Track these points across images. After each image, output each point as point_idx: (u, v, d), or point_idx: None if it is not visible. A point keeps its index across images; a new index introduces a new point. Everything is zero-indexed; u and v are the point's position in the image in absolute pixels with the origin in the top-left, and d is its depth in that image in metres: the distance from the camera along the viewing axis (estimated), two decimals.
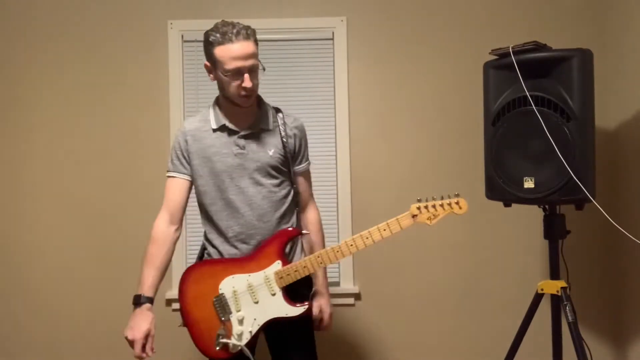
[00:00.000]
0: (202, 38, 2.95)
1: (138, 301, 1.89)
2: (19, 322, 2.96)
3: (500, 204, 2.30)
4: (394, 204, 2.98)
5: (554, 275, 2.21)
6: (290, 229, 1.99)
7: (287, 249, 1.99)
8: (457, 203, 1.91)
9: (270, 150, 1.96)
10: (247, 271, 1.92)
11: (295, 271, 1.91)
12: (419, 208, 1.92)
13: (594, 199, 2.02)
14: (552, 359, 2.25)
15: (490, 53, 2.23)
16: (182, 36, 2.99)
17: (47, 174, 2.97)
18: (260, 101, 2.04)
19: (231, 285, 1.92)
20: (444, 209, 1.92)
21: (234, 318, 1.90)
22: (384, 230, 1.89)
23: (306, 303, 1.93)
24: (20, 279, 2.96)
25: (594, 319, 2.95)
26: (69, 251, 2.97)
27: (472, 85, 2.79)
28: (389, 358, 2.99)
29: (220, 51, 1.84)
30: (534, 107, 2.06)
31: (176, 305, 2.93)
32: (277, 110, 2.06)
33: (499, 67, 2.20)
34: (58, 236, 2.97)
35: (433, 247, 2.97)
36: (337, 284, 2.97)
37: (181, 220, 2.03)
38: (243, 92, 1.88)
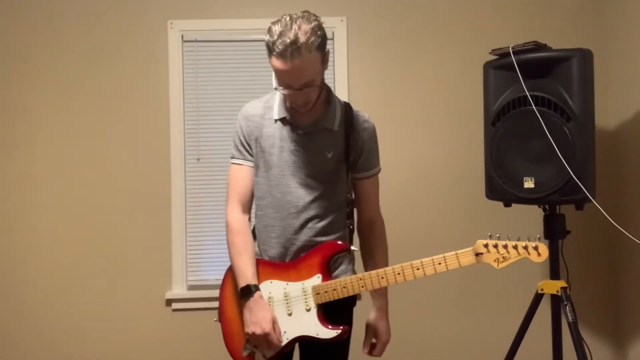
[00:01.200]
0: (202, 38, 2.99)
1: (249, 292, 1.71)
2: (19, 322, 2.95)
3: (500, 204, 2.30)
4: (393, 203, 2.97)
5: (554, 275, 2.21)
6: (339, 242, 1.80)
7: (332, 264, 1.81)
8: (535, 248, 1.56)
9: (330, 152, 1.78)
10: (286, 279, 1.77)
11: (334, 290, 1.73)
12: (486, 245, 1.62)
13: (594, 199, 2.02)
14: (552, 359, 2.25)
15: (490, 53, 2.23)
16: (182, 36, 2.99)
17: (47, 174, 2.97)
18: (329, 97, 1.82)
19: (268, 290, 1.78)
20: (518, 252, 1.58)
21: None
22: (439, 264, 1.67)
23: (341, 327, 1.74)
24: (21, 279, 2.96)
25: (594, 319, 2.95)
26: (70, 251, 2.96)
27: (472, 85, 2.79)
28: (388, 358, 2.98)
29: (271, 60, 1.65)
30: (534, 107, 2.06)
31: (176, 305, 2.94)
32: (348, 107, 1.86)
33: (499, 67, 2.20)
34: (59, 236, 2.96)
35: (433, 246, 2.96)
36: None
37: (250, 208, 1.88)
38: (296, 107, 1.73)
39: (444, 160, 2.98)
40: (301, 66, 1.61)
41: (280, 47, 1.59)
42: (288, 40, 1.58)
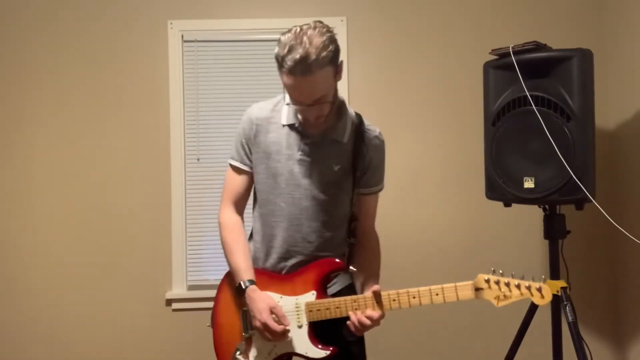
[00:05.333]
0: (202, 38, 2.99)
1: (243, 289, 1.69)
2: (20, 322, 2.96)
3: (500, 204, 2.29)
4: (393, 204, 2.98)
5: (554, 275, 2.21)
6: (337, 260, 1.74)
7: (328, 281, 1.77)
8: (539, 289, 1.47)
9: (337, 165, 1.72)
10: (281, 292, 1.73)
11: (327, 309, 1.67)
12: (487, 281, 1.53)
13: (594, 199, 2.02)
14: (552, 359, 2.25)
15: (490, 53, 2.23)
16: (182, 36, 2.99)
17: (46, 174, 2.97)
18: (341, 108, 1.77)
19: None
20: (520, 292, 1.49)
21: (255, 337, 1.74)
22: (436, 295, 1.60)
23: (330, 348, 1.68)
24: (21, 279, 2.96)
25: (594, 319, 2.95)
26: (70, 251, 2.96)
27: (472, 85, 2.79)
28: (388, 358, 2.99)
29: (281, 75, 1.57)
30: (534, 107, 2.06)
31: (176, 305, 2.94)
32: (359, 120, 1.80)
33: (499, 67, 2.20)
34: (59, 236, 2.96)
35: (433, 247, 2.97)
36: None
37: (244, 211, 1.85)
38: (309, 121, 1.67)
39: (444, 160, 2.98)
40: (312, 83, 1.53)
41: (289, 63, 1.50)
42: (298, 57, 1.49)
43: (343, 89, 2.97)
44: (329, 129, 1.73)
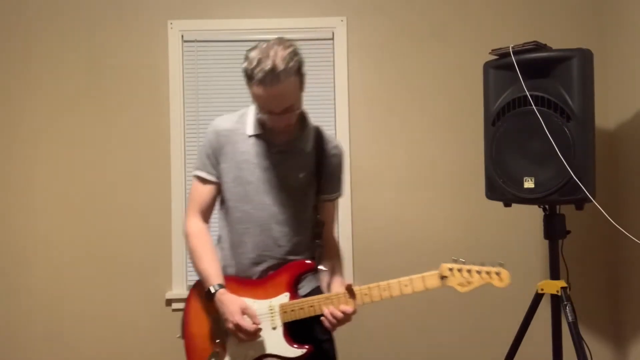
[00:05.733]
0: (202, 38, 2.99)
1: (212, 294, 1.73)
2: (20, 322, 2.96)
3: (500, 204, 2.29)
4: (393, 204, 2.98)
5: (554, 275, 2.21)
6: (308, 262, 1.81)
7: (300, 283, 1.82)
8: (498, 274, 1.62)
9: (302, 173, 1.81)
10: (253, 296, 1.77)
11: (301, 309, 1.73)
12: (451, 270, 1.66)
13: (594, 199, 2.02)
14: (552, 359, 2.25)
15: (490, 53, 2.23)
16: (182, 36, 2.99)
17: (47, 174, 2.97)
18: (303, 119, 1.85)
19: None
20: (481, 277, 1.63)
21: (229, 343, 1.76)
22: (405, 286, 1.68)
23: (306, 347, 1.73)
24: (22, 280, 2.96)
25: (594, 319, 2.95)
26: (70, 251, 2.96)
27: (472, 85, 2.79)
28: (388, 358, 2.99)
29: (251, 87, 1.67)
30: (534, 107, 2.06)
31: (176, 305, 2.94)
32: (319, 131, 1.89)
33: (499, 67, 2.20)
34: (59, 236, 2.96)
35: (432, 247, 2.97)
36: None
37: (209, 220, 1.89)
38: (277, 130, 1.76)
39: (444, 160, 2.98)
40: (281, 92, 1.63)
41: (259, 74, 1.60)
42: (267, 68, 1.59)
43: (343, 89, 2.97)
44: (293, 139, 1.82)
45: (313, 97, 2.98)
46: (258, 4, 3.00)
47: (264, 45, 1.65)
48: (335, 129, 2.98)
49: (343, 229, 2.96)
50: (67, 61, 2.98)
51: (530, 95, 2.07)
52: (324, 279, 1.88)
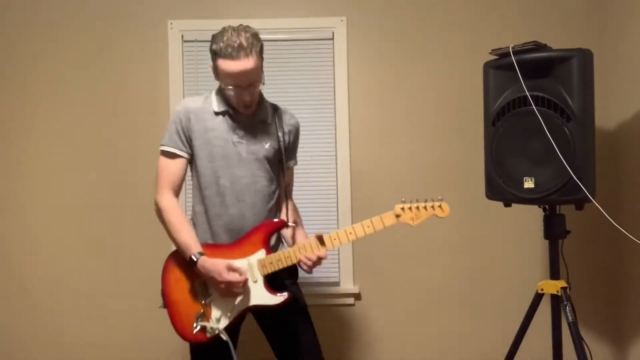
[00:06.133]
0: (202, 38, 2.99)
1: (194, 261, 1.89)
2: (19, 322, 2.96)
3: (500, 204, 2.29)
4: (393, 203, 2.97)
5: (554, 275, 2.21)
6: (276, 220, 2.02)
7: (272, 241, 2.02)
8: (439, 206, 1.97)
9: (267, 143, 2.01)
10: (231, 257, 1.92)
11: (278, 260, 1.93)
12: (402, 209, 1.96)
13: (594, 199, 2.02)
14: (552, 359, 2.25)
15: (490, 53, 2.23)
16: (182, 36, 2.99)
17: (46, 174, 2.97)
18: (260, 95, 2.04)
19: None
20: (426, 210, 1.96)
21: (213, 302, 1.92)
22: (368, 227, 1.93)
23: (286, 293, 1.93)
24: (21, 280, 2.96)
25: (594, 319, 2.95)
26: (70, 251, 2.97)
27: (472, 85, 2.79)
28: (388, 358, 2.99)
29: (221, 63, 1.87)
30: (534, 107, 2.06)
31: None
32: (275, 107, 2.11)
33: (499, 67, 2.20)
34: (59, 236, 2.97)
35: (433, 247, 2.97)
36: (337, 284, 2.97)
37: (179, 195, 2.02)
38: (241, 104, 1.94)
39: (444, 160, 2.98)
40: (248, 66, 1.85)
41: (229, 50, 1.83)
42: (236, 44, 1.83)
43: (343, 89, 2.97)
44: (255, 112, 2.01)
45: (313, 97, 2.99)
46: (258, 4, 3.00)
47: (229, 29, 1.87)
48: (335, 129, 2.98)
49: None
50: (67, 61, 2.98)
51: (530, 95, 2.07)
52: (287, 232, 2.09)
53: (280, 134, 2.04)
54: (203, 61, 3.00)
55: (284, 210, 2.13)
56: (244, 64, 1.84)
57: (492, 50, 2.21)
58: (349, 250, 2.94)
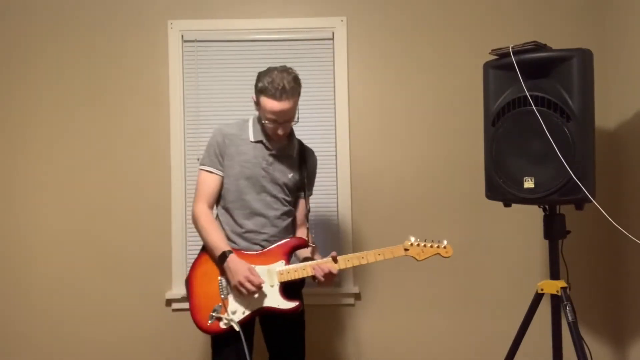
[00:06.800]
0: (202, 38, 2.99)
1: (225, 257, 2.10)
2: (19, 322, 2.96)
3: (500, 204, 2.29)
4: (393, 203, 2.98)
5: (554, 275, 2.21)
6: (302, 237, 2.28)
7: (292, 255, 2.25)
8: (444, 247, 2.19)
9: (290, 173, 2.26)
10: (255, 263, 2.14)
11: (295, 271, 2.16)
12: (411, 244, 2.19)
13: (594, 199, 2.02)
14: (552, 359, 2.25)
15: (490, 53, 2.23)
16: (182, 36, 2.99)
17: (46, 174, 2.97)
18: (291, 132, 2.29)
19: None
20: (432, 248, 2.19)
21: (232, 298, 2.11)
22: (378, 255, 2.17)
23: (297, 301, 2.15)
24: (21, 279, 2.96)
25: (594, 319, 2.95)
26: (70, 251, 2.97)
27: (472, 85, 2.79)
28: (388, 358, 2.99)
29: (264, 101, 2.09)
30: (534, 107, 2.06)
31: (176, 305, 2.94)
32: (300, 142, 2.36)
33: (499, 67, 2.20)
34: (59, 236, 2.97)
35: None
36: (337, 283, 2.97)
37: (213, 208, 2.26)
38: (275, 136, 2.18)
39: (444, 160, 2.98)
40: (287, 106, 2.09)
41: (273, 91, 2.06)
42: (280, 87, 2.06)
43: (343, 89, 2.97)
44: (285, 146, 2.27)
45: (313, 97, 2.99)
46: (258, 4, 3.00)
47: (275, 70, 2.11)
48: (335, 129, 2.98)
49: (343, 229, 2.96)
50: (68, 61, 2.98)
51: (530, 95, 2.07)
52: (305, 252, 2.30)
53: (304, 169, 2.31)
54: (203, 61, 3.00)
55: (304, 231, 2.35)
56: (285, 104, 2.08)
57: (492, 50, 2.21)
58: (349, 250, 2.94)
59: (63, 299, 2.96)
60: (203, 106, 3.00)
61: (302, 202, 2.37)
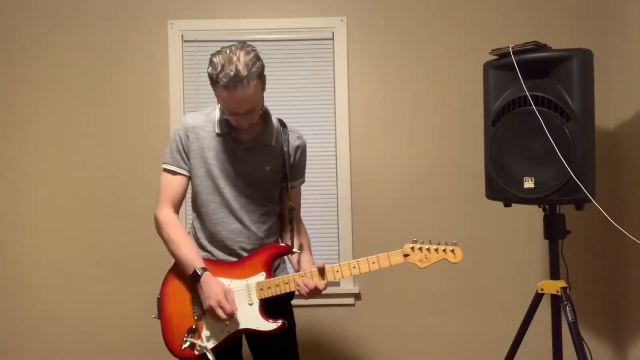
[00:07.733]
0: (202, 38, 2.99)
1: (198, 275, 1.86)
2: (19, 322, 2.96)
3: (500, 204, 2.29)
4: (393, 204, 2.98)
5: (554, 275, 2.21)
6: (282, 244, 2.01)
7: (275, 264, 2.02)
8: (452, 251, 1.87)
9: (268, 166, 1.97)
10: (231, 276, 1.92)
11: (277, 285, 1.90)
12: (412, 248, 1.89)
13: (594, 199, 2.02)
14: (552, 359, 2.25)
15: (490, 53, 2.23)
16: (182, 36, 2.99)
17: (46, 174, 2.97)
18: (266, 116, 2.00)
19: None
20: (437, 253, 1.88)
21: (206, 320, 1.88)
22: (373, 263, 1.88)
23: (280, 321, 1.89)
24: (21, 279, 2.96)
25: (594, 319, 2.95)
26: (70, 251, 2.97)
27: (472, 85, 2.79)
28: (388, 358, 2.99)
29: (216, 92, 1.80)
30: (534, 107, 2.06)
31: None
32: (283, 124, 2.05)
33: (499, 67, 2.20)
34: (59, 236, 2.97)
35: None
36: (337, 284, 2.97)
37: (179, 211, 2.02)
38: (241, 128, 1.90)
39: (444, 160, 2.98)
40: (245, 96, 1.76)
41: (224, 79, 1.72)
42: (231, 73, 1.71)
43: (343, 89, 2.97)
44: (258, 135, 1.96)
45: (313, 97, 2.99)
46: (258, 4, 3.00)
47: (227, 50, 1.77)
48: (335, 129, 2.98)
49: (343, 229, 2.96)
50: (68, 61, 2.98)
51: (530, 95, 2.07)
52: (293, 257, 2.05)
53: (285, 155, 1.99)
54: (203, 61, 3.00)
55: (288, 233, 2.06)
56: (241, 94, 1.75)
57: (492, 50, 2.21)
58: (349, 251, 2.94)
59: (63, 298, 2.96)
60: (203, 106, 2.99)
61: (292, 192, 2.07)
